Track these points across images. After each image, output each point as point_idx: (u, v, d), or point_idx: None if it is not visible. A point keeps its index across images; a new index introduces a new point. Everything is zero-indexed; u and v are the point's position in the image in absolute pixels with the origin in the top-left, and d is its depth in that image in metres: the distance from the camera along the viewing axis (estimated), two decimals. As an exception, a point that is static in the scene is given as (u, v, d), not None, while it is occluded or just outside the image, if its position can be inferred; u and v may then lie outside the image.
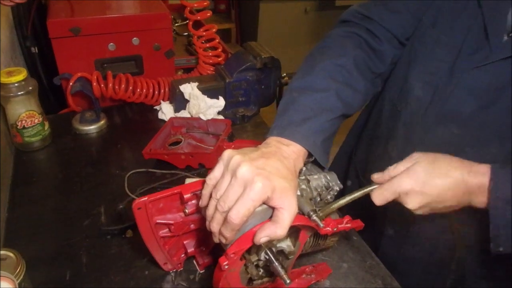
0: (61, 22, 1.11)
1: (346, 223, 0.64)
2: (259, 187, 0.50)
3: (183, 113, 1.13)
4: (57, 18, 1.12)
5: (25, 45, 1.28)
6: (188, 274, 0.72)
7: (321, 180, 0.65)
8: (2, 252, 0.59)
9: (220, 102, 1.13)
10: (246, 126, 1.19)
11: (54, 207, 0.86)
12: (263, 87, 1.22)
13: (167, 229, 0.66)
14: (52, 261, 0.73)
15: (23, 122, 0.97)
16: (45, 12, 1.18)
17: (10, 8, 1.23)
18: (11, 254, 0.59)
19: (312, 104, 0.67)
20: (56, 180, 0.94)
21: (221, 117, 1.14)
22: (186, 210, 0.62)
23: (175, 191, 0.62)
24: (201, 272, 0.72)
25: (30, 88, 0.96)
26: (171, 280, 0.71)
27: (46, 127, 1.04)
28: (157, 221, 0.63)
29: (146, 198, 0.59)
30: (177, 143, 1.04)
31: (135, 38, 1.21)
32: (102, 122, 1.13)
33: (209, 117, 1.09)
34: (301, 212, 0.58)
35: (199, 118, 1.08)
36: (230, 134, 1.04)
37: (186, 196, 0.60)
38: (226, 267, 0.52)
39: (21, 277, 0.57)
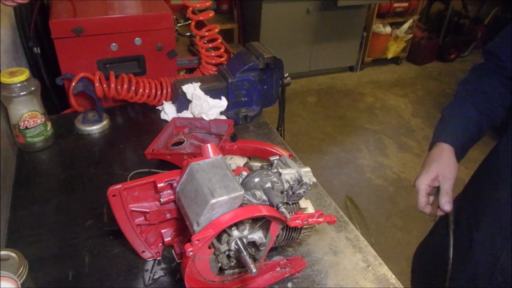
0: (63, 22, 1.11)
1: (318, 217, 0.64)
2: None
3: (186, 113, 1.13)
4: (60, 18, 1.12)
5: (28, 45, 1.28)
6: (167, 264, 0.73)
7: (294, 174, 0.65)
8: (5, 252, 0.59)
9: (223, 102, 1.12)
10: (249, 126, 1.19)
11: (56, 207, 0.86)
12: (265, 87, 1.22)
13: (143, 217, 0.67)
14: (54, 261, 0.73)
15: (26, 122, 0.97)
16: (47, 13, 1.18)
17: (12, 9, 1.23)
18: (14, 255, 0.59)
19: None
20: (58, 181, 0.94)
21: (223, 117, 1.13)
22: (162, 199, 0.63)
23: (150, 180, 0.62)
24: (178, 261, 0.72)
25: (33, 88, 0.96)
26: (173, 280, 0.71)
27: (49, 127, 1.04)
28: (132, 208, 0.64)
29: (120, 186, 0.60)
30: (179, 143, 1.04)
31: (137, 38, 1.21)
32: (105, 122, 1.13)
33: (212, 117, 1.09)
34: (270, 203, 0.59)
35: (202, 118, 1.08)
36: (232, 134, 1.04)
37: (160, 185, 0.61)
38: (191, 253, 0.53)
39: (24, 277, 0.57)
